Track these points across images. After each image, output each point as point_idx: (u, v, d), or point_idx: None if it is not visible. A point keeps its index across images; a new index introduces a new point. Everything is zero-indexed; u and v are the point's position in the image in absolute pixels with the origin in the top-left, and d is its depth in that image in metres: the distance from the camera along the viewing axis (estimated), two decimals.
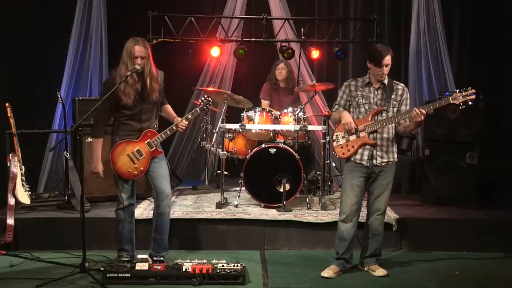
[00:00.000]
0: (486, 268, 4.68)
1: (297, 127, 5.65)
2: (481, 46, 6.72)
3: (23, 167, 5.00)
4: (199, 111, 4.52)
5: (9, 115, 5.03)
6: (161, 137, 4.40)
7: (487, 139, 5.64)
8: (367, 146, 4.29)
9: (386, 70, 4.25)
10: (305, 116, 5.89)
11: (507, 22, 6.29)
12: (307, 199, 5.67)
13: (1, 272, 4.42)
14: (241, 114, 5.99)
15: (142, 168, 4.39)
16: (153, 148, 4.38)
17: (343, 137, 4.39)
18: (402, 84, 4.38)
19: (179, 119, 4.46)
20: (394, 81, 4.37)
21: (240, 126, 5.71)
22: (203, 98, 4.55)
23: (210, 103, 4.54)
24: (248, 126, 5.76)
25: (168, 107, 4.63)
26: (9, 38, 5.94)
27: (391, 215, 5.18)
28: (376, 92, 4.32)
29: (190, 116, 4.46)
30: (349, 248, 4.42)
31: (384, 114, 4.28)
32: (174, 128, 4.42)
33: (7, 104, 5.04)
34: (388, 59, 4.22)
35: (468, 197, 5.58)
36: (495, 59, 6.52)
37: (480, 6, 6.72)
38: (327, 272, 4.36)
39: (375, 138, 4.29)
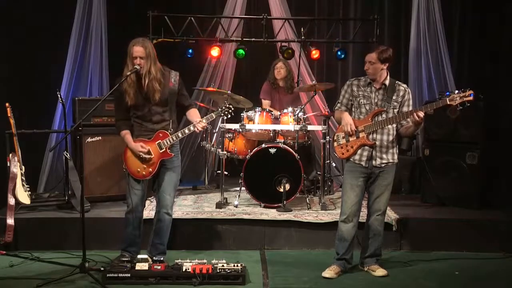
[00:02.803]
0: (486, 268, 4.68)
1: (297, 127, 5.65)
2: (481, 46, 6.71)
3: (23, 167, 4.99)
4: (214, 116, 4.46)
5: (9, 115, 5.02)
6: (172, 139, 4.33)
7: (487, 139, 5.64)
8: (366, 147, 4.29)
9: (368, 66, 4.24)
10: (305, 116, 5.89)
11: (507, 22, 6.28)
12: (307, 199, 5.67)
13: (1, 272, 4.42)
14: (241, 114, 5.98)
15: (150, 169, 4.36)
16: (163, 150, 4.34)
17: (343, 138, 4.39)
18: (405, 85, 4.36)
19: (197, 120, 4.35)
20: (396, 82, 4.35)
21: (240, 126, 5.71)
22: (223, 106, 4.46)
23: (231, 111, 4.45)
24: (248, 126, 5.76)
25: (193, 111, 4.51)
26: (9, 38, 5.94)
27: (391, 215, 5.18)
28: (377, 93, 4.31)
29: (204, 121, 4.37)
30: (349, 248, 4.42)
31: (384, 115, 4.27)
32: (187, 131, 4.34)
33: (7, 104, 5.03)
34: (370, 56, 4.23)
35: (468, 197, 5.58)
36: (495, 59, 6.51)
37: (480, 6, 6.71)
38: (328, 273, 4.36)
39: (374, 139, 4.28)
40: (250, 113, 5.91)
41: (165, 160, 4.39)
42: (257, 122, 5.84)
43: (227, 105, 4.46)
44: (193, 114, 4.50)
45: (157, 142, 4.34)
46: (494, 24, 6.53)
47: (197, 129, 4.35)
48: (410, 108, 4.29)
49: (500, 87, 6.34)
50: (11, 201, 4.88)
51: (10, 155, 5.00)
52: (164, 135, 4.35)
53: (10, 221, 4.87)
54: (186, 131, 4.35)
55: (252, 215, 5.24)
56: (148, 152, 4.31)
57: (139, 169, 4.37)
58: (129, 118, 4.39)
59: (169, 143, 4.34)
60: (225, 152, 5.77)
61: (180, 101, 4.47)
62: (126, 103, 4.28)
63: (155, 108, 4.32)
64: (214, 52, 6.90)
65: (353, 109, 4.41)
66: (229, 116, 4.50)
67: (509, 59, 6.21)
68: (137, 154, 4.32)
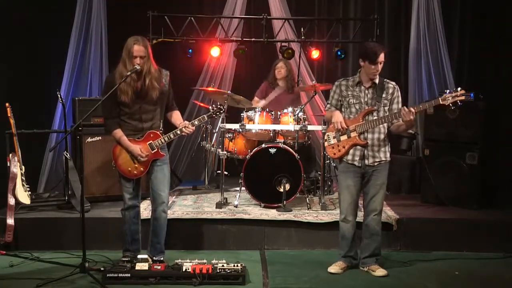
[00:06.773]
0: (486, 268, 4.68)
1: (297, 127, 5.65)
2: (481, 46, 6.71)
3: (23, 167, 5.00)
4: (206, 118, 4.44)
5: (9, 115, 5.02)
6: (164, 140, 4.33)
7: (487, 139, 5.64)
8: (358, 147, 4.30)
9: (380, 67, 4.25)
10: (305, 116, 5.89)
11: (508, 22, 6.28)
12: (307, 199, 5.67)
13: (1, 272, 4.42)
14: (241, 114, 5.98)
15: (142, 168, 4.37)
16: (155, 150, 4.34)
17: (334, 137, 4.41)
18: (393, 83, 4.39)
19: (186, 123, 4.36)
20: (385, 80, 4.37)
21: (240, 126, 5.71)
22: (213, 106, 4.47)
23: (222, 111, 4.46)
24: (248, 126, 5.75)
25: (177, 113, 4.53)
26: (9, 38, 5.93)
27: (391, 215, 5.18)
28: (366, 92, 4.32)
29: (196, 122, 4.37)
30: (352, 246, 4.47)
31: (375, 114, 4.28)
32: (179, 132, 4.35)
33: (7, 104, 5.03)
34: (382, 56, 4.23)
35: (468, 197, 5.58)
36: (495, 59, 6.52)
37: (480, 6, 6.72)
38: (333, 268, 4.40)
39: (366, 138, 4.29)
40: (250, 113, 5.90)
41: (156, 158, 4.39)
42: (257, 122, 5.84)
43: (218, 106, 4.46)
44: (176, 116, 4.51)
45: (148, 142, 4.33)
46: (494, 24, 6.53)
47: (186, 133, 4.37)
48: (400, 105, 4.31)
49: (500, 87, 6.34)
50: (11, 201, 4.89)
51: (10, 155, 5.00)
52: (155, 136, 4.34)
53: (10, 221, 4.87)
54: (178, 131, 4.35)
55: (252, 215, 5.24)
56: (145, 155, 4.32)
57: (130, 168, 4.36)
58: (119, 116, 4.34)
59: (160, 143, 4.34)
60: (225, 152, 5.76)
61: (167, 102, 4.46)
62: (118, 100, 4.24)
63: (146, 106, 4.31)
64: (214, 52, 6.91)
65: (342, 109, 4.42)
66: (220, 115, 4.49)
67: (509, 59, 6.21)
68: (134, 155, 4.31)
